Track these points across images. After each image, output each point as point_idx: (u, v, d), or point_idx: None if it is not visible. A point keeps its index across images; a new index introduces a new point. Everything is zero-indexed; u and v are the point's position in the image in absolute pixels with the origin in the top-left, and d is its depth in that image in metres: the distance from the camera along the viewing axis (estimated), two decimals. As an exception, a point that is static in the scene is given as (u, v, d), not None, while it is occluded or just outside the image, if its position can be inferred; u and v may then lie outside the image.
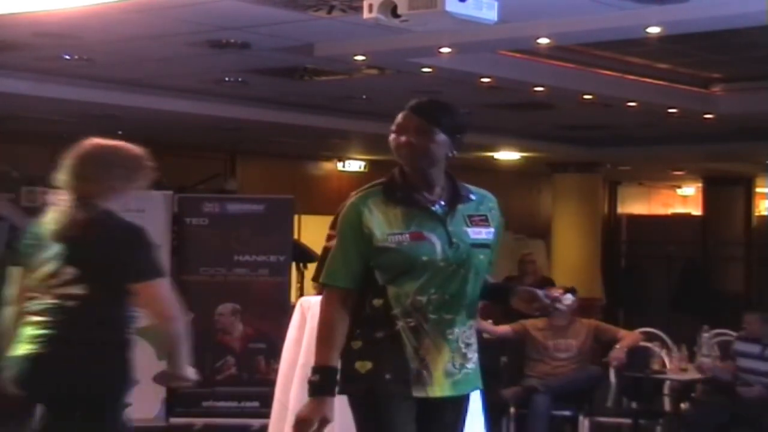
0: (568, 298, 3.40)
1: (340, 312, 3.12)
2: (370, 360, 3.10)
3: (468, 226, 3.20)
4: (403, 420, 3.08)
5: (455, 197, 3.23)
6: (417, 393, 3.09)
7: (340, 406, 3.16)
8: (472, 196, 3.28)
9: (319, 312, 3.17)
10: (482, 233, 3.22)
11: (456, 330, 3.14)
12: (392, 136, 3.23)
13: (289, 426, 4.72)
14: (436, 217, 3.17)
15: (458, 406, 3.21)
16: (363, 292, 3.15)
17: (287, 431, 4.72)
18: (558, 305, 3.28)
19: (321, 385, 3.08)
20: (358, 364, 3.11)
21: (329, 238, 3.27)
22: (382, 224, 3.13)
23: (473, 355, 3.22)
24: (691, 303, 14.99)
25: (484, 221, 3.25)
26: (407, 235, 3.12)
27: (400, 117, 3.25)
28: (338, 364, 3.12)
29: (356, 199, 3.19)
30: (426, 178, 3.20)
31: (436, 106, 3.30)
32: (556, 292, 3.38)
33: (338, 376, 3.14)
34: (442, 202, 3.20)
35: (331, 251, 3.24)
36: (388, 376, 3.08)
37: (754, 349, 6.74)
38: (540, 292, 3.29)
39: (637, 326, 7.90)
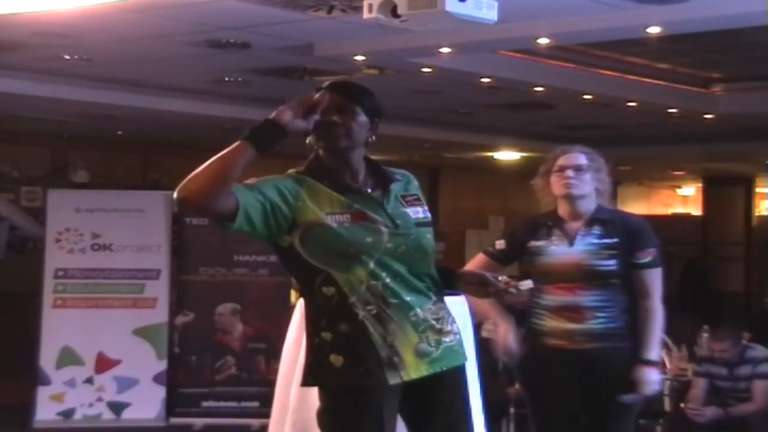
0: (527, 284, 3.28)
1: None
2: (342, 354, 2.98)
3: (405, 207, 3.10)
4: (377, 412, 2.99)
5: (382, 180, 3.11)
6: (392, 380, 2.98)
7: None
8: (398, 177, 3.16)
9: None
10: (420, 212, 3.12)
11: (418, 311, 3.02)
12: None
13: (289, 426, 4.73)
14: (373, 200, 3.05)
15: (450, 381, 3.10)
16: (306, 277, 3.02)
17: (287, 431, 4.73)
18: (511, 290, 3.12)
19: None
20: (332, 358, 2.98)
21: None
22: (321, 203, 2.99)
23: (451, 327, 3.12)
24: (691, 303, 14.99)
25: (417, 200, 3.15)
26: (348, 216, 2.99)
27: (316, 97, 3.08)
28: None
29: (286, 174, 3.04)
30: (348, 162, 3.06)
31: (355, 85, 3.14)
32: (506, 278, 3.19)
33: (309, 365, 3.05)
34: (369, 189, 3.08)
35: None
36: (361, 370, 2.97)
37: (722, 370, 6.65)
38: (490, 276, 3.15)
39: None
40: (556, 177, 4.23)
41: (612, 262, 4.13)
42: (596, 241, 4.17)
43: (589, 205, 4.23)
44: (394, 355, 2.99)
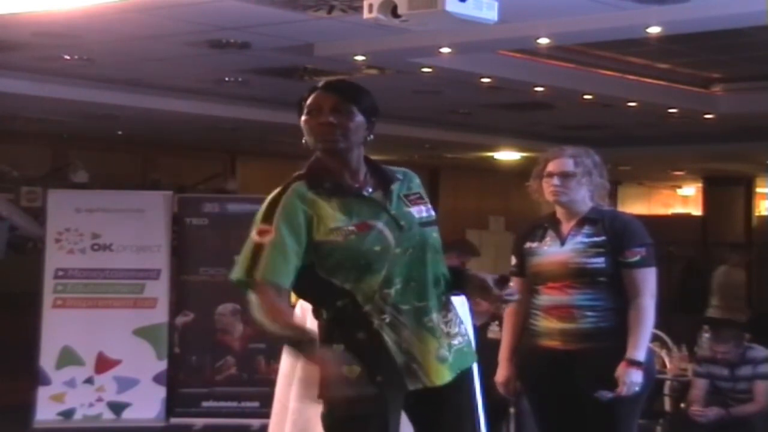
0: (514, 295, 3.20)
1: (282, 303, 2.92)
2: (357, 364, 2.93)
3: (408, 206, 3.05)
4: (382, 414, 2.97)
5: (383, 180, 3.06)
6: (412, 386, 2.97)
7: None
8: (399, 176, 3.10)
9: (260, 305, 2.92)
10: (423, 211, 3.09)
11: (433, 316, 3.00)
12: (305, 119, 3.01)
13: (289, 426, 4.73)
14: (375, 203, 3.01)
15: (458, 381, 3.07)
16: (321, 294, 2.99)
17: (287, 431, 4.73)
18: (508, 298, 3.09)
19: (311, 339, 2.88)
20: (346, 369, 2.92)
21: (262, 233, 3.01)
22: (326, 219, 2.95)
23: (458, 328, 3.10)
24: (691, 303, 14.98)
25: (420, 199, 3.11)
26: (353, 227, 2.94)
27: (311, 98, 3.01)
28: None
29: (290, 191, 3.00)
30: (347, 163, 3.01)
31: (350, 84, 3.08)
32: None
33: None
34: (370, 189, 3.03)
35: (267, 246, 2.96)
36: (379, 379, 2.94)
37: (723, 371, 6.66)
38: (490, 281, 3.08)
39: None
40: (545, 183, 4.28)
41: (600, 260, 4.15)
42: (585, 240, 4.20)
43: (582, 207, 4.26)
44: (412, 361, 2.96)
